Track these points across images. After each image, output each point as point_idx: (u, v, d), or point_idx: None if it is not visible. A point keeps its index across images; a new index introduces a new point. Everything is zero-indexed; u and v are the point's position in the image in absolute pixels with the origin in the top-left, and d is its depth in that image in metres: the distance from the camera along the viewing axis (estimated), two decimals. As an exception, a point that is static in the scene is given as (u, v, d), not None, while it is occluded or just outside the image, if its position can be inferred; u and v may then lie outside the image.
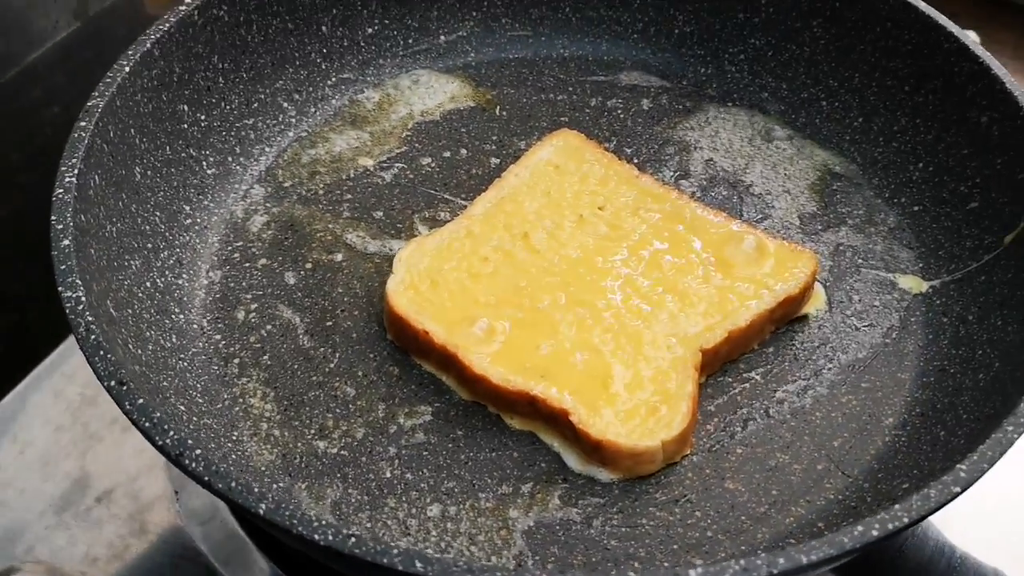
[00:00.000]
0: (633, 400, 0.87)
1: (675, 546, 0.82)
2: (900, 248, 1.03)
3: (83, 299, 0.77)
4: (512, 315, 0.93)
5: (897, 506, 0.69)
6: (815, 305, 0.98)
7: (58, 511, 0.94)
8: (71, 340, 1.05)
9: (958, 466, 0.72)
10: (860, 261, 1.02)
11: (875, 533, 0.68)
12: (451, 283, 0.95)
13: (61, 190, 0.83)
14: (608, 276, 0.96)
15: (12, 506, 0.95)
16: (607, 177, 1.04)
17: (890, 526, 0.68)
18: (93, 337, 0.75)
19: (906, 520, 0.69)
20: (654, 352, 0.91)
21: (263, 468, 0.85)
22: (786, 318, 0.97)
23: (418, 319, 0.91)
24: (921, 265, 1.01)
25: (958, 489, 0.71)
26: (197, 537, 0.92)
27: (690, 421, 0.87)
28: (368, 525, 0.82)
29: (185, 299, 0.95)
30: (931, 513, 0.70)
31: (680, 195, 1.03)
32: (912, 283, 1.00)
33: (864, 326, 0.97)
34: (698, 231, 0.99)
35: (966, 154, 1.02)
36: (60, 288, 0.77)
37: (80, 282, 0.78)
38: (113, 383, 0.72)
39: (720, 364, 0.94)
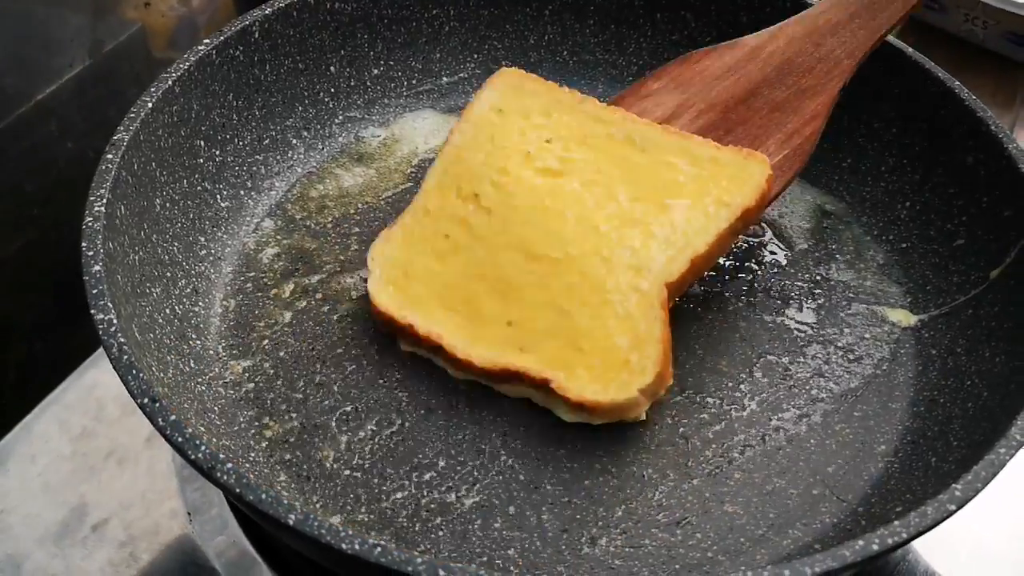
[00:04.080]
0: (604, 355, 0.89)
1: (677, 566, 0.84)
2: (889, 283, 1.06)
3: (115, 321, 0.79)
4: (480, 290, 0.93)
5: (896, 522, 0.72)
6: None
7: (57, 539, 0.96)
8: (76, 372, 1.08)
9: (953, 486, 0.75)
10: (851, 296, 1.05)
11: (875, 547, 0.70)
12: (420, 271, 0.96)
13: (91, 218, 0.86)
14: (561, 220, 0.95)
15: (16, 532, 0.96)
16: (549, 107, 1.03)
17: (889, 541, 0.71)
18: (126, 357, 0.77)
19: (904, 536, 0.71)
20: (619, 297, 0.91)
21: (279, 488, 0.87)
22: (746, 228, 0.99)
23: (400, 314, 0.94)
24: (910, 299, 1.04)
25: (953, 507, 0.74)
26: (211, 557, 0.94)
27: (663, 361, 0.89)
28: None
29: (202, 326, 0.97)
30: (928, 530, 0.73)
31: (626, 114, 1.02)
32: (901, 317, 1.03)
33: (855, 358, 0.99)
34: (648, 150, 0.99)
35: (952, 193, 1.05)
36: (93, 311, 0.79)
37: (111, 305, 0.80)
38: (146, 400, 0.74)
39: (685, 289, 0.96)
